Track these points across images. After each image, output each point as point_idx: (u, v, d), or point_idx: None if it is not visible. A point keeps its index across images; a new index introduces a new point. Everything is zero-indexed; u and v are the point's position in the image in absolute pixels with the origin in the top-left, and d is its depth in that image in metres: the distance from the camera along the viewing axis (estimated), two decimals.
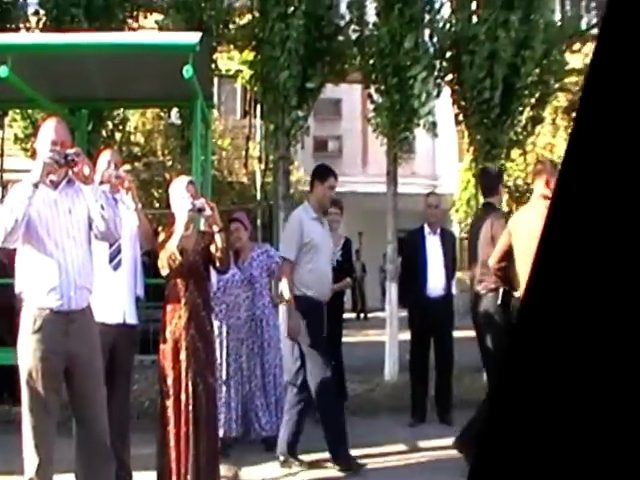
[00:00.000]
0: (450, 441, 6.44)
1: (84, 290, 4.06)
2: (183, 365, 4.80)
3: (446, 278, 7.31)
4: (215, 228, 4.82)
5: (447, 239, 7.51)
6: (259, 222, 9.83)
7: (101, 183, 4.60)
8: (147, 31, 9.17)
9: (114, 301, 4.87)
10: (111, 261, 4.87)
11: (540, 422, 0.95)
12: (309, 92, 8.69)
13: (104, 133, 8.94)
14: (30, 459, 3.97)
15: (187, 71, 5.08)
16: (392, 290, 8.85)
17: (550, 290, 0.96)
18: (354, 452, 6.15)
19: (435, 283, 7.22)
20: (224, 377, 6.15)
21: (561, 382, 0.93)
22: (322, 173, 6.06)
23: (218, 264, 4.93)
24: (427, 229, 7.34)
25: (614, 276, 0.90)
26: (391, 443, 6.49)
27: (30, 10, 8.74)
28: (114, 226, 4.10)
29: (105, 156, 5.02)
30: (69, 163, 3.90)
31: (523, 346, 0.99)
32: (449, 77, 9.27)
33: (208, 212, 4.77)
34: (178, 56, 5.22)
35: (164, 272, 4.85)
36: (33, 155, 11.00)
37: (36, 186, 3.84)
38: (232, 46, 9.39)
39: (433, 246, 7.31)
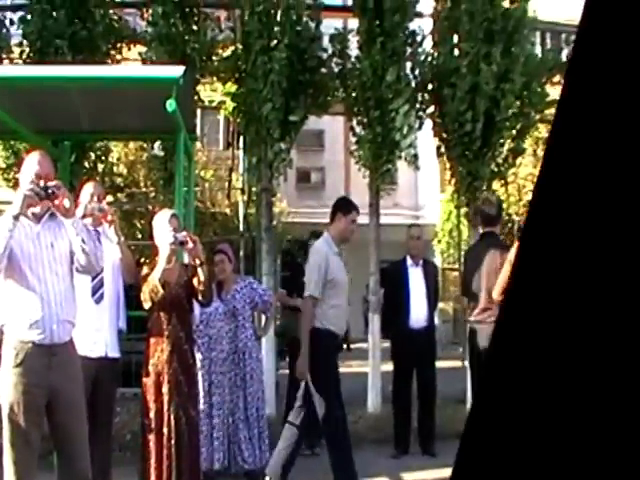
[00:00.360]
0: (433, 472, 6.44)
1: (66, 323, 4.04)
2: (165, 398, 4.78)
3: (428, 309, 7.34)
4: (197, 261, 4.82)
5: (429, 270, 7.55)
6: (242, 254, 9.80)
7: (84, 216, 4.60)
8: (130, 63, 9.21)
9: (96, 334, 4.84)
10: (93, 294, 4.86)
11: (522, 423, 0.96)
12: (292, 124, 8.73)
13: (87, 164, 8.92)
14: None
15: (170, 105, 5.10)
16: (374, 321, 8.85)
17: (529, 296, 0.98)
18: None
19: (418, 314, 7.24)
20: (207, 410, 6.10)
21: (542, 384, 0.94)
22: (345, 205, 6.05)
23: (201, 297, 4.93)
24: (409, 261, 7.38)
25: (589, 282, 0.92)
26: (374, 475, 6.45)
27: (13, 41, 8.75)
28: (95, 259, 4.09)
29: (88, 188, 5.02)
30: (50, 196, 3.89)
31: (506, 349, 1.01)
32: (431, 110, 9.35)
33: (190, 245, 4.77)
34: (161, 89, 5.25)
35: (146, 305, 4.84)
36: (15, 186, 11.00)
37: (16, 218, 3.83)
38: (215, 78, 9.43)
39: (415, 277, 7.35)
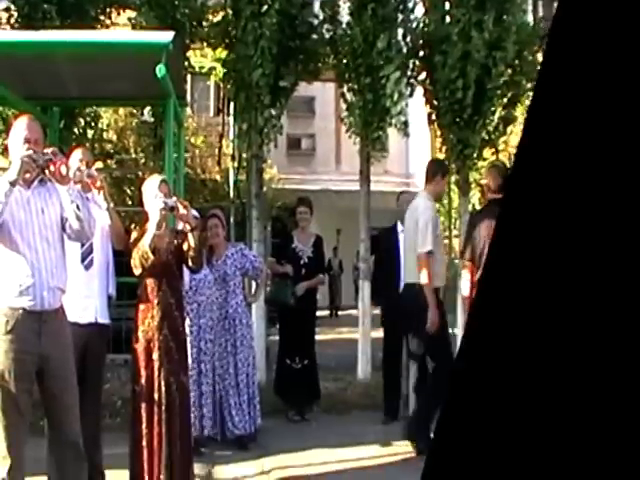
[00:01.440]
0: None
1: (57, 290, 4.05)
2: (156, 365, 4.80)
3: None
4: (188, 227, 4.81)
5: None
6: (232, 220, 9.79)
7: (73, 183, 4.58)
8: (120, 28, 9.12)
9: (86, 301, 4.85)
10: (83, 261, 4.85)
11: (496, 414, 0.98)
12: (282, 91, 8.68)
13: (76, 131, 8.87)
14: (1, 459, 3.95)
15: (160, 70, 5.07)
16: (365, 288, 8.89)
17: (506, 275, 0.99)
18: (326, 451, 6.20)
19: None
20: (195, 377, 6.14)
21: (517, 374, 0.96)
22: (444, 168, 6.46)
23: (191, 263, 4.93)
24: (400, 227, 7.39)
25: (563, 269, 0.93)
26: (364, 441, 6.50)
27: (0, 6, 8.65)
28: (88, 226, 4.09)
29: (77, 154, 4.98)
30: (46, 162, 3.89)
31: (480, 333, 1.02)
32: (422, 77, 9.31)
33: (181, 211, 4.76)
34: (151, 55, 5.21)
35: (137, 271, 4.84)
36: (4, 152, 10.93)
37: (13, 184, 3.81)
38: (205, 44, 9.36)
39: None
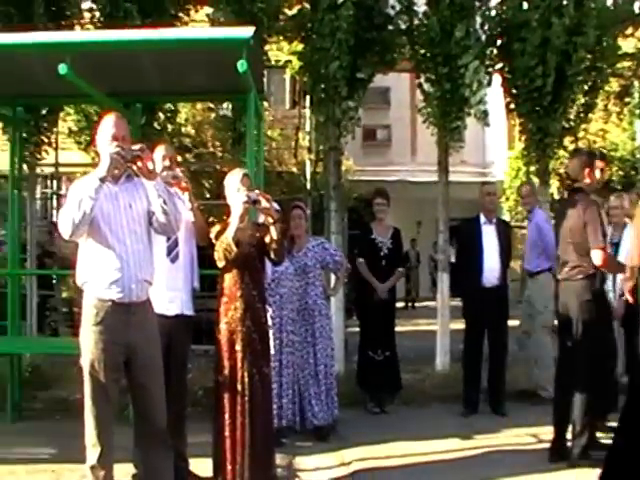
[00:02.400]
0: (504, 433, 6.43)
1: (144, 283, 4.15)
2: (239, 356, 4.87)
3: (501, 268, 7.26)
4: (270, 220, 4.86)
5: (503, 228, 7.47)
6: (309, 212, 9.85)
7: None
8: (197, 25, 9.24)
9: (172, 293, 4.97)
10: (169, 254, 4.96)
11: None
12: (359, 82, 8.68)
13: (156, 126, 9.03)
14: (92, 447, 4.06)
15: (242, 65, 5.12)
16: (444, 280, 8.82)
17: None
18: (406, 443, 6.18)
19: (490, 273, 7.18)
20: (277, 368, 6.20)
21: None
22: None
23: (273, 255, 4.98)
24: (483, 218, 7.29)
25: None
26: (444, 434, 6.46)
27: (84, 6, 8.88)
28: (174, 220, 4.17)
29: (160, 151, 5.10)
30: (134, 158, 3.98)
31: None
32: (500, 65, 9.17)
33: (264, 204, 4.81)
34: (232, 50, 5.27)
35: (220, 264, 4.91)
36: (86, 148, 11.23)
37: (103, 180, 3.92)
38: (281, 37, 9.42)
39: (489, 235, 7.27)
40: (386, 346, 7.43)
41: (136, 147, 4.03)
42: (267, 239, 4.89)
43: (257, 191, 4.95)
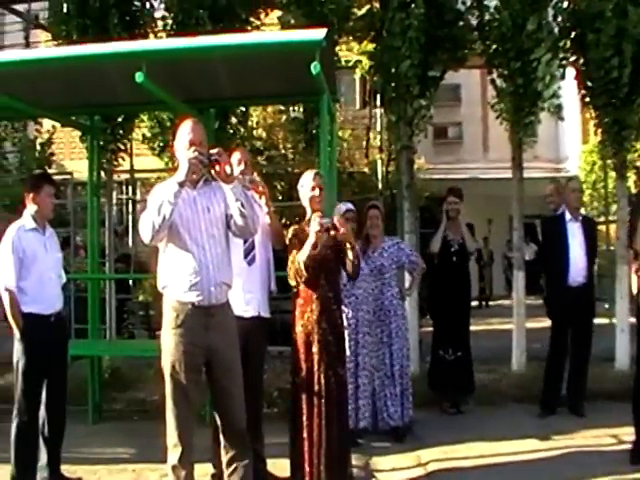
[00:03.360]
0: (582, 433, 6.30)
1: (223, 285, 4.21)
2: (315, 358, 4.90)
3: (588, 266, 7.08)
4: (349, 245, 4.88)
5: (589, 225, 7.27)
6: None
7: None
8: (268, 28, 9.31)
9: (249, 295, 5.04)
10: (246, 257, 5.03)
11: None
12: (430, 80, 8.62)
13: (229, 130, 9.14)
14: (173, 447, 4.14)
15: (315, 67, 5.13)
16: (519, 278, 8.67)
17: None
18: (483, 444, 6.11)
19: (576, 271, 6.99)
20: (352, 369, 6.21)
21: None
22: None
23: (350, 272, 4.99)
24: (568, 215, 7.11)
25: None
26: (522, 435, 6.37)
27: (157, 15, 9.04)
28: (252, 223, 4.22)
29: (236, 155, 5.19)
30: (212, 163, 4.05)
31: None
32: (574, 57, 8.98)
33: (341, 231, 4.82)
34: (304, 52, 5.29)
35: (292, 283, 4.96)
36: (160, 154, 11.44)
37: (182, 185, 4.00)
38: (351, 37, 9.42)
39: (575, 233, 7.07)
40: (459, 346, 7.36)
41: (214, 151, 4.09)
42: (346, 259, 4.93)
43: (334, 218, 4.92)
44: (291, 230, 5.10)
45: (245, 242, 5.00)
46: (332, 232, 4.84)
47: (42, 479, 5.29)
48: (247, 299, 5.02)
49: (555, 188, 7.87)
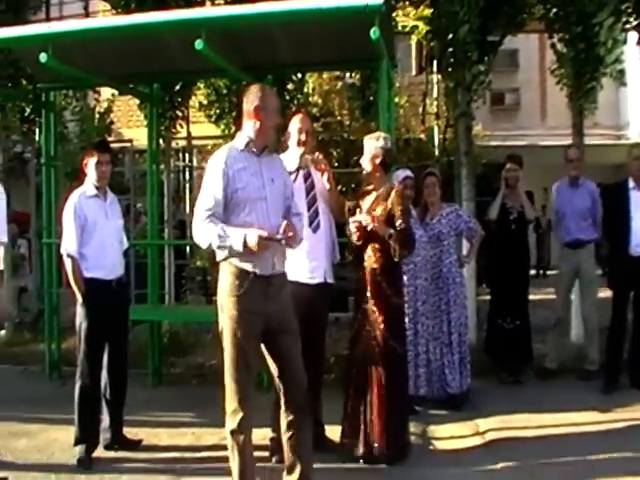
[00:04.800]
0: None
1: (284, 255, 4.24)
2: (373, 326, 4.92)
3: None
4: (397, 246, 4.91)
5: None
6: None
7: (299, 168, 4.98)
8: None
9: (314, 262, 5.07)
10: (310, 224, 5.04)
11: None
12: (489, 45, 8.48)
13: (286, 96, 9.13)
14: (232, 413, 4.20)
15: (374, 32, 5.08)
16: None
17: None
18: (541, 415, 6.08)
19: (639, 241, 6.79)
20: (411, 337, 6.20)
21: None
22: None
23: (396, 257, 4.98)
24: (632, 183, 6.92)
25: None
26: (580, 407, 6.28)
27: None
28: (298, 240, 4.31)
29: (296, 122, 5.19)
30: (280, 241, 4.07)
31: None
32: (636, 22, 8.73)
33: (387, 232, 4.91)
34: (363, 18, 5.24)
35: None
36: (217, 121, 11.48)
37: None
38: (407, 2, 9.29)
39: (638, 202, 6.85)
40: (517, 315, 7.29)
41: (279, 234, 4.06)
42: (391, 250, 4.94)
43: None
44: (349, 204, 5.12)
45: (309, 210, 5.03)
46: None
47: (105, 440, 5.42)
48: (313, 266, 5.05)
49: (580, 153, 7.68)
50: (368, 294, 5.01)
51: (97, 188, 5.39)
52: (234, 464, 4.13)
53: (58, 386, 6.67)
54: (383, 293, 5.00)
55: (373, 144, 5.12)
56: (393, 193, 4.98)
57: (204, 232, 4.05)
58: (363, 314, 5.05)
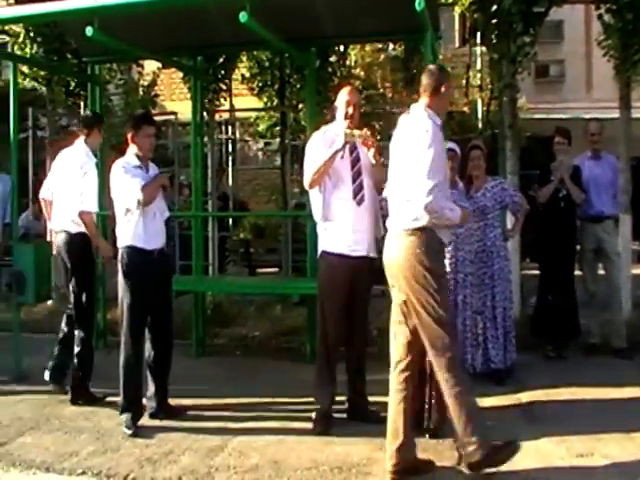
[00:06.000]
0: None
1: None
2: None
3: None
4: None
5: None
6: None
7: (345, 143, 5.04)
8: None
9: (358, 235, 5.10)
10: (355, 196, 5.07)
11: None
12: (534, 16, 8.33)
13: (328, 69, 9.10)
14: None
15: (419, 3, 5.03)
16: (626, 222, 8.37)
17: None
18: (584, 390, 6.04)
19: None
20: (451, 309, 6.18)
21: None
22: None
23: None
24: None
25: None
26: (625, 383, 6.22)
27: None
28: None
29: (344, 95, 5.21)
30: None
31: None
32: None
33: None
34: None
35: None
36: (259, 94, 11.47)
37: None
38: None
39: None
40: (564, 290, 7.23)
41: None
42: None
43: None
44: None
45: (354, 182, 5.03)
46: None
47: (150, 408, 5.52)
48: (356, 239, 5.09)
49: (600, 126, 7.56)
50: None
51: (139, 159, 5.44)
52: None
53: (104, 355, 6.77)
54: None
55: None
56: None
57: (443, 206, 4.18)
58: None
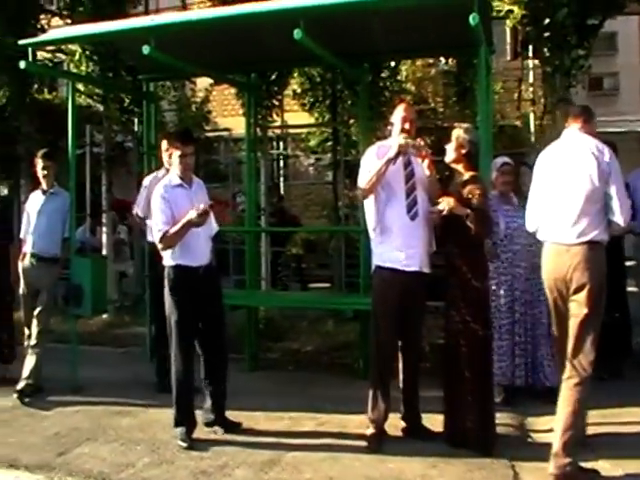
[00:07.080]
0: None
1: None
2: (464, 317, 4.98)
3: None
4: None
5: None
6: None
7: (399, 153, 5.05)
8: None
9: (411, 250, 5.08)
10: (409, 211, 5.06)
11: None
12: (589, 29, 8.24)
13: (380, 84, 9.12)
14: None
15: (474, 18, 5.00)
16: None
17: None
18: None
19: None
20: (508, 326, 6.13)
21: None
22: None
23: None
24: None
25: None
26: None
27: None
28: None
29: (400, 112, 5.24)
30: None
31: None
32: None
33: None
34: (461, 3, 5.18)
35: None
36: (310, 109, 11.54)
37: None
38: None
39: None
40: (616, 307, 7.08)
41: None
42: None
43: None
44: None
45: (407, 197, 5.04)
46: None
47: (207, 420, 5.57)
48: (409, 254, 5.07)
49: None
50: (451, 279, 5.02)
51: (181, 178, 5.47)
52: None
53: None
54: (464, 277, 4.98)
55: (461, 134, 5.10)
56: (470, 176, 5.07)
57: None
58: (449, 299, 5.09)
